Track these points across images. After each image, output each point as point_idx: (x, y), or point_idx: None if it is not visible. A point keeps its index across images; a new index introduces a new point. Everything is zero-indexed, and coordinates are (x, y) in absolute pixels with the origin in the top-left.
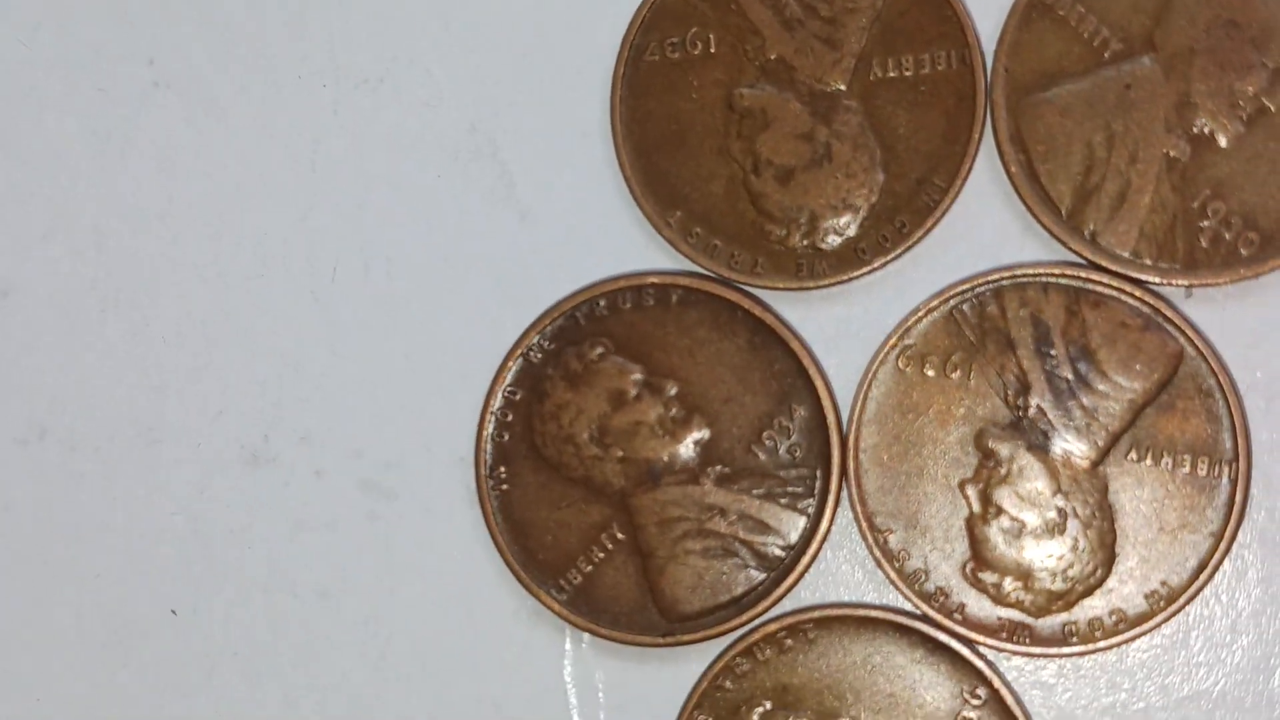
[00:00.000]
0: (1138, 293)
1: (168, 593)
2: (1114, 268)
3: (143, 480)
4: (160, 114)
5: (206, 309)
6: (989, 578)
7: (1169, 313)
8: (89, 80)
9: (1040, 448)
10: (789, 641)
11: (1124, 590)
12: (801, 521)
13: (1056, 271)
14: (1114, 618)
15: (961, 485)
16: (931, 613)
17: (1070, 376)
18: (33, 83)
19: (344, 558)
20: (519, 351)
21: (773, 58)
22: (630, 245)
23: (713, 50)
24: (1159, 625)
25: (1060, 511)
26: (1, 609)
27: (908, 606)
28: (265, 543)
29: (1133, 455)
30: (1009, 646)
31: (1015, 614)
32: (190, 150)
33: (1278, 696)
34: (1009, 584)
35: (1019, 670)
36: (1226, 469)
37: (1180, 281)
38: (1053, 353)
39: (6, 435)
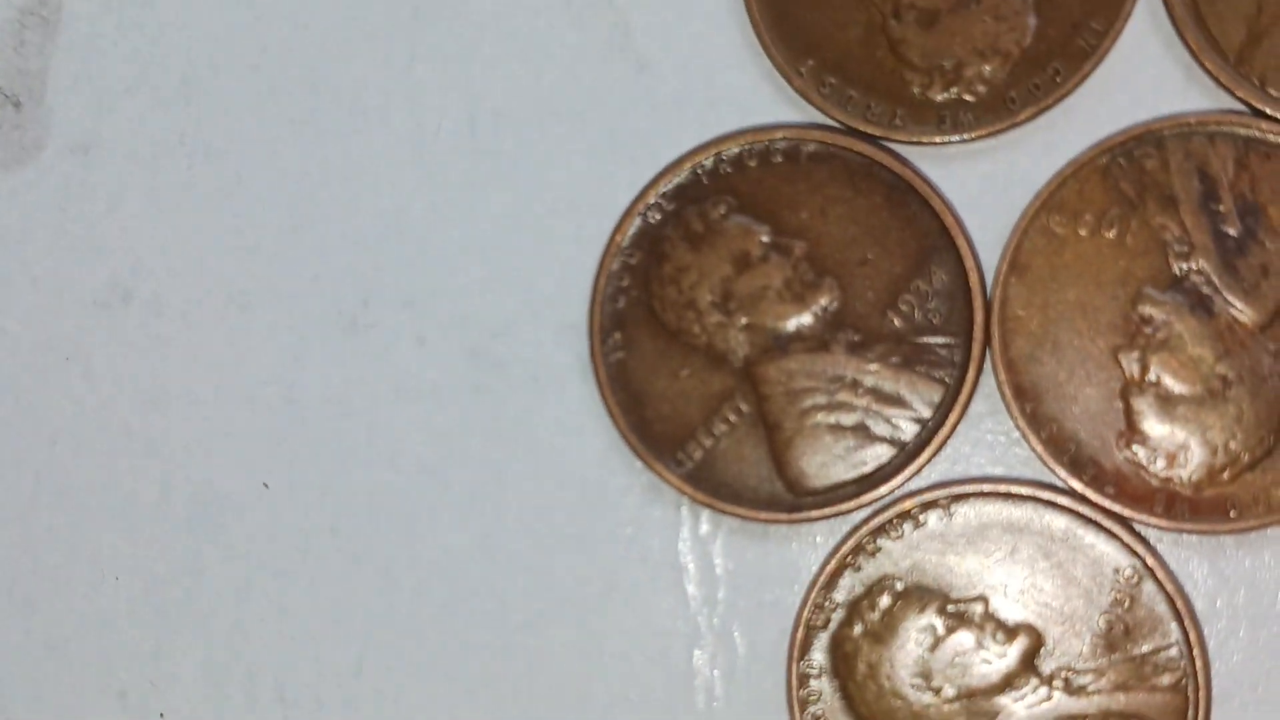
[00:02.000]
0: None
1: (259, 466)
2: None
3: (233, 347)
4: None
5: (302, 165)
6: (1144, 450)
7: None
8: None
9: (1203, 310)
10: (925, 519)
11: None
12: (940, 391)
13: (1224, 121)
14: None
15: (1116, 351)
16: (1081, 487)
17: (1237, 233)
18: None
19: (448, 430)
20: (636, 211)
21: None
22: (758, 97)
23: None
24: None
25: (1223, 379)
26: (81, 481)
27: (1055, 481)
28: (364, 414)
29: None
30: (1165, 523)
31: (1173, 488)
32: None
33: None
34: (1166, 457)
35: (1177, 546)
36: None
37: None
38: (1219, 208)
39: (87, 298)
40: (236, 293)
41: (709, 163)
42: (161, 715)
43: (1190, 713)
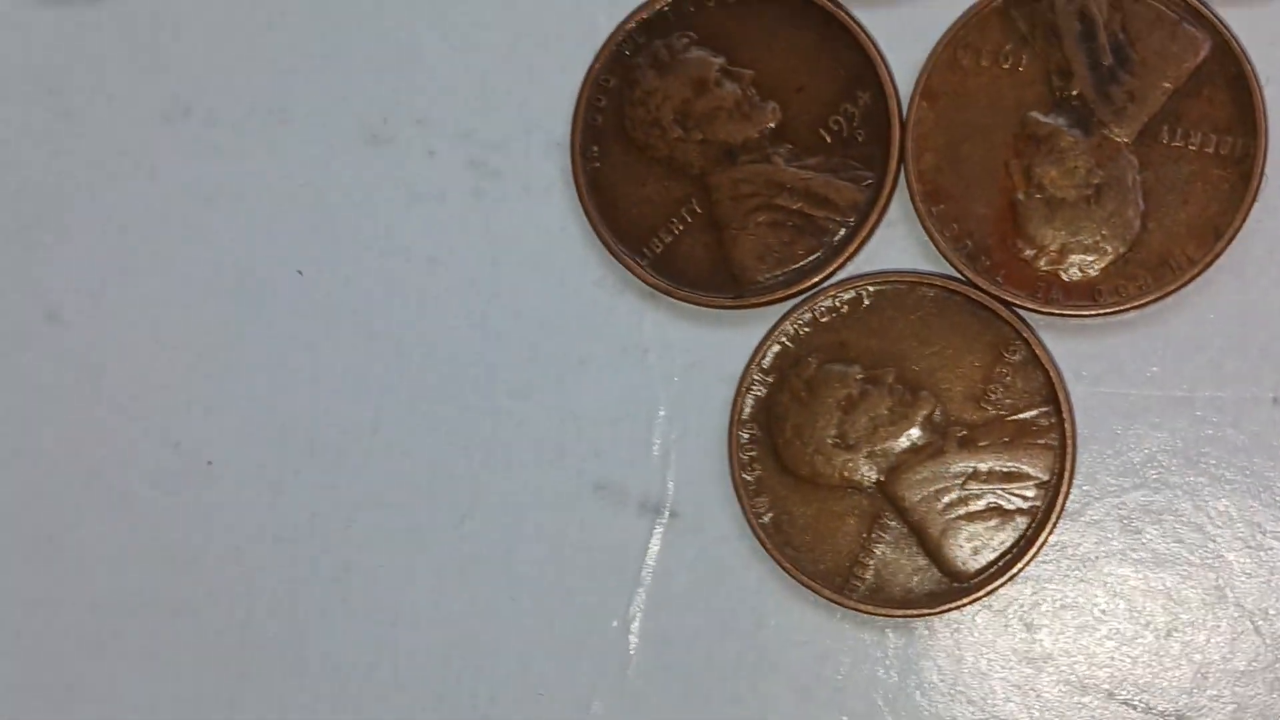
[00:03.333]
0: None
1: (294, 255)
2: None
3: (273, 155)
4: None
5: (335, 6)
6: (1028, 246)
7: (1202, 10)
8: None
9: (1080, 129)
10: (845, 305)
11: (1147, 258)
12: (862, 197)
13: None
14: (1139, 282)
15: (1006, 163)
16: (974, 276)
17: (1110, 65)
18: None
19: (452, 229)
20: (613, 42)
21: None
22: None
23: None
24: (1178, 288)
25: (1096, 187)
26: (145, 264)
27: (954, 273)
28: (383, 214)
29: (1164, 135)
30: (1044, 306)
31: (1050, 278)
32: None
33: None
34: (1045, 252)
35: (1051, 327)
36: (1245, 148)
37: None
38: (1096, 44)
39: (156, 112)
40: (277, 109)
41: (675, 2)
42: (210, 463)
43: (1057, 464)
